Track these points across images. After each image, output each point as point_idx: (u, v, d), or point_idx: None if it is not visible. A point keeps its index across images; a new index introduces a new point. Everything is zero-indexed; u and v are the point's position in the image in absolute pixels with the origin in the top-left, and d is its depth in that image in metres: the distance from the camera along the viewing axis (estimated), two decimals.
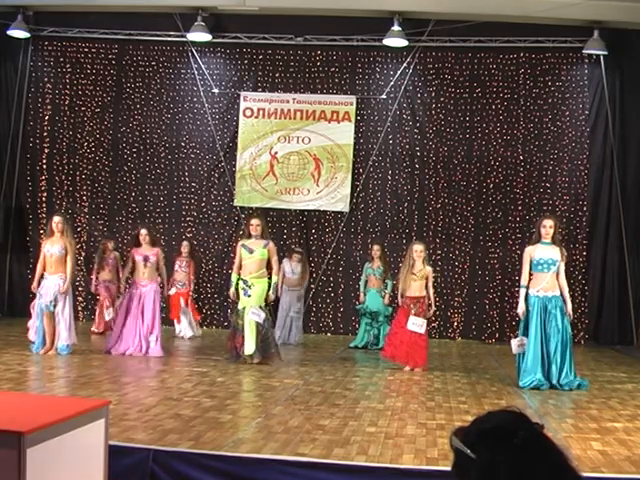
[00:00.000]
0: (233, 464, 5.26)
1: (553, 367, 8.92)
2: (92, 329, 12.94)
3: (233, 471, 5.23)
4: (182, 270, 13.11)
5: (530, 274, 9.17)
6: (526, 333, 9.01)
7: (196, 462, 5.30)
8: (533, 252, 9.11)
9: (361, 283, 12.99)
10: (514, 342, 9.11)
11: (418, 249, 10.33)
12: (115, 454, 4.70)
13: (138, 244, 11.02)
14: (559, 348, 8.91)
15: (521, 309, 9.11)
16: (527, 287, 9.14)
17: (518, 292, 13.89)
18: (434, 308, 10.72)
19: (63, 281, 10.37)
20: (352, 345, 12.60)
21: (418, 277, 10.27)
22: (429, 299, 10.39)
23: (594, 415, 7.47)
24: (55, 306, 10.30)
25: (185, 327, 12.88)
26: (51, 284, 10.35)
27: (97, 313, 13.18)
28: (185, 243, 13.46)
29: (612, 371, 10.81)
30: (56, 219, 10.67)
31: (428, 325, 10.52)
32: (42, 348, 10.23)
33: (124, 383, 8.37)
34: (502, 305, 14.15)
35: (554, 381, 8.90)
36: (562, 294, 9.08)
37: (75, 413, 4.11)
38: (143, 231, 11.12)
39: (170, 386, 8.25)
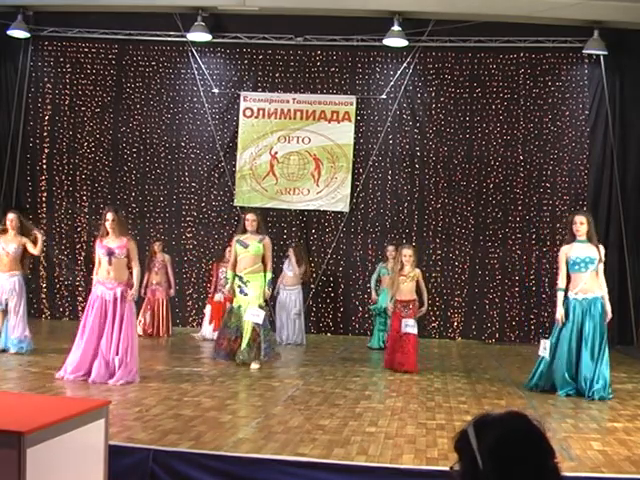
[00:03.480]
0: (233, 464, 5.26)
1: (585, 374, 8.40)
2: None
3: (233, 471, 5.23)
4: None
5: (568, 276, 8.59)
6: (558, 336, 8.54)
7: (196, 462, 5.31)
8: (569, 252, 8.53)
9: (372, 283, 12.92)
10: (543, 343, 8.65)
11: (407, 253, 10.22)
12: (115, 454, 4.70)
13: (106, 233, 8.73)
14: (595, 354, 8.40)
15: (559, 314, 8.52)
16: (565, 289, 8.56)
17: (518, 292, 14.11)
18: (426, 306, 10.61)
19: (18, 280, 10.20)
20: (371, 346, 12.46)
21: (407, 279, 10.24)
22: (422, 300, 10.34)
23: (594, 415, 7.47)
24: (7, 305, 10.14)
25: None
26: (5, 282, 10.17)
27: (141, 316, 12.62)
28: (229, 248, 13.31)
29: (612, 371, 10.77)
30: (10, 216, 10.32)
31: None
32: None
33: (124, 383, 8.35)
34: (502, 305, 14.15)
35: (586, 392, 8.35)
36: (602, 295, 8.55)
37: (75, 413, 4.12)
38: (109, 215, 8.59)
39: (170, 386, 8.24)
